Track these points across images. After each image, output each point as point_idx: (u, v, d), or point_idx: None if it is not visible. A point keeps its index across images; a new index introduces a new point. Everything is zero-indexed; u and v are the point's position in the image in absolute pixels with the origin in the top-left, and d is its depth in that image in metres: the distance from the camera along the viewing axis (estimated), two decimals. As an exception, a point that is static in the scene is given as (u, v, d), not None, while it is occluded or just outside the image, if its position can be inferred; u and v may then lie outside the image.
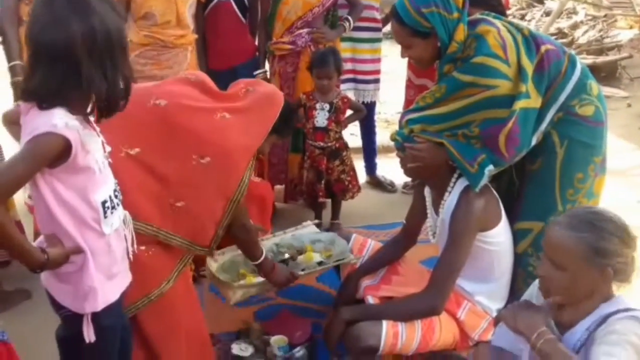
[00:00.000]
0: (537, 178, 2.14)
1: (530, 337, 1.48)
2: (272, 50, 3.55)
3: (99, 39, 1.42)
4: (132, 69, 1.58)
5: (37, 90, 1.43)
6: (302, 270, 2.45)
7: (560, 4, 7.44)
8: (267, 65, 3.71)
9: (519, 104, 1.96)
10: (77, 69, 1.41)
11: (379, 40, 3.95)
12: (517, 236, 2.19)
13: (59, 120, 1.40)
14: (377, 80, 4.00)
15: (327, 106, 3.36)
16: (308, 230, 2.77)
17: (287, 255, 2.53)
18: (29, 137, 1.40)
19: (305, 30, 3.48)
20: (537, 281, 1.67)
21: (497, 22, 2.05)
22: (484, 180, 2.02)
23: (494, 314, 2.08)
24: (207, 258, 2.49)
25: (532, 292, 1.71)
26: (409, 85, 3.91)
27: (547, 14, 8.47)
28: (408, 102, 3.88)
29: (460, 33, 2.00)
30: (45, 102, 1.43)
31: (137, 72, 3.07)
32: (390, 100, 5.62)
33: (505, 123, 1.96)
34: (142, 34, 3.09)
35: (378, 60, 3.98)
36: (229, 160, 2.02)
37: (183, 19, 3.13)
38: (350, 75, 3.88)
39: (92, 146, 1.52)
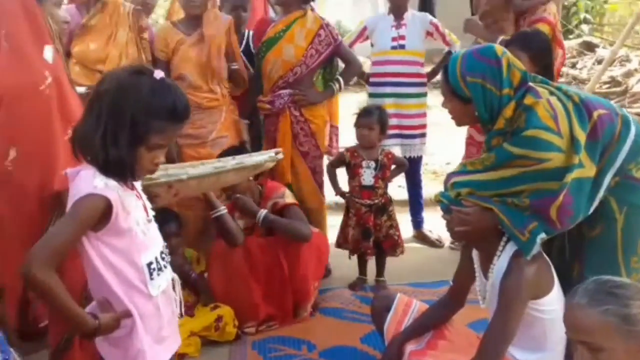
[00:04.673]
0: (598, 246, 2.06)
1: None
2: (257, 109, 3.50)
3: (106, 102, 1.50)
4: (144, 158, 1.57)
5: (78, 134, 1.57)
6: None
7: (612, 51, 7.30)
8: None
9: (572, 176, 1.89)
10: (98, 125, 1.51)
11: (424, 94, 3.96)
12: None
13: (99, 182, 1.48)
14: (423, 135, 3.99)
15: (372, 164, 3.35)
16: (261, 157, 2.61)
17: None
18: (73, 201, 1.48)
19: (287, 91, 3.36)
20: None
21: (545, 92, 2.00)
22: (536, 249, 1.95)
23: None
24: None
25: None
26: (471, 142, 3.80)
27: (599, 61, 8.33)
28: (468, 159, 3.80)
29: (509, 110, 1.96)
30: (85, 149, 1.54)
31: None
32: (439, 151, 5.58)
33: (557, 196, 1.90)
34: None
35: (424, 115, 3.98)
36: None
37: (213, 85, 3.25)
38: (396, 131, 3.87)
39: (133, 207, 1.57)
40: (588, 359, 1.43)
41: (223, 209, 2.95)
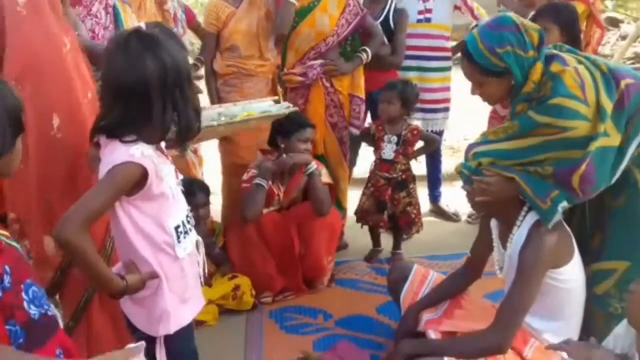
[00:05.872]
0: (621, 216, 2.03)
1: None
2: (284, 81, 3.45)
3: (169, 75, 1.50)
4: (197, 95, 1.64)
5: (113, 126, 1.53)
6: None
7: (636, 27, 7.14)
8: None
9: (596, 144, 1.87)
10: (150, 104, 1.49)
11: (448, 68, 3.89)
12: (598, 276, 2.09)
13: (136, 150, 1.50)
14: (446, 109, 3.92)
15: (394, 138, 3.32)
16: (264, 104, 2.66)
17: (222, 119, 2.42)
18: (109, 168, 1.49)
19: (318, 62, 3.32)
20: (625, 321, 1.57)
21: (573, 60, 1.97)
22: (557, 217, 1.94)
23: (565, 355, 1.96)
24: None
25: (619, 333, 1.61)
26: (494, 117, 3.72)
27: (623, 37, 8.16)
28: None
29: (537, 72, 1.92)
30: (119, 135, 1.52)
31: (222, 100, 3.22)
32: (456, 126, 5.53)
33: (579, 164, 1.87)
34: (226, 64, 3.26)
35: (447, 89, 3.91)
36: None
37: (264, 53, 3.27)
38: (418, 105, 3.76)
39: (165, 173, 1.60)
40: None
41: (264, 182, 2.93)
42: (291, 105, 2.61)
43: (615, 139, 1.91)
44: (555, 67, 1.92)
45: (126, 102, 1.51)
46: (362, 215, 3.43)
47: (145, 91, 1.48)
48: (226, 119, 2.40)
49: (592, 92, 1.89)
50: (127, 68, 1.49)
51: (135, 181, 1.51)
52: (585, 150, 1.87)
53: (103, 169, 1.52)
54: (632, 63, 7.43)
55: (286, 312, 2.96)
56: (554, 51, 2.01)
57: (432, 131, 3.84)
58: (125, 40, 1.52)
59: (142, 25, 1.57)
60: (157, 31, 1.54)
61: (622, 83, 1.93)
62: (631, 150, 1.94)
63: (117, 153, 1.51)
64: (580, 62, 1.96)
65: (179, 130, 1.56)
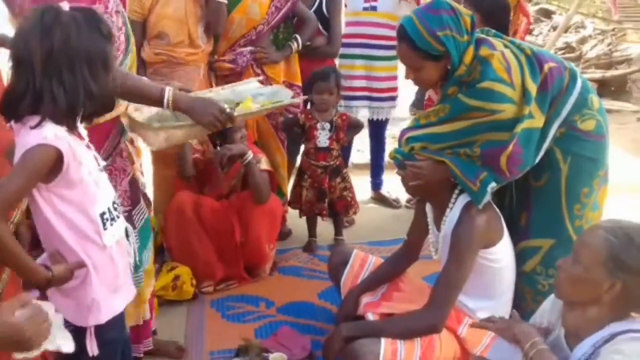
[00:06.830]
0: (543, 195, 2.12)
1: (525, 345, 1.49)
2: (215, 69, 3.35)
3: (55, 52, 1.45)
4: (112, 83, 1.59)
5: (7, 100, 1.48)
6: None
7: (566, 17, 7.41)
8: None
9: (522, 126, 1.94)
10: (34, 78, 1.45)
11: (395, 58, 3.89)
12: (525, 254, 2.17)
13: (49, 133, 1.44)
14: (392, 98, 3.93)
15: (327, 125, 3.33)
16: (250, 86, 2.61)
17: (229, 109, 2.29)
18: (22, 152, 1.44)
19: (248, 49, 3.27)
20: (551, 296, 1.65)
21: (500, 44, 2.02)
22: (487, 198, 2.01)
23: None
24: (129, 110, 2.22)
25: (545, 308, 1.68)
26: (429, 104, 3.72)
27: (555, 28, 8.45)
28: None
29: (469, 56, 1.97)
30: (20, 113, 1.47)
31: None
32: (397, 116, 5.61)
33: (507, 145, 1.94)
34: (154, 52, 3.15)
35: (394, 78, 3.91)
36: None
37: (195, 39, 3.17)
38: (365, 93, 3.83)
39: (84, 157, 1.55)
40: (566, 261, 1.52)
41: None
42: (295, 94, 2.56)
43: (539, 121, 1.99)
44: (484, 51, 1.97)
45: (15, 72, 1.48)
46: (306, 207, 3.41)
47: (29, 64, 1.44)
48: (239, 111, 2.29)
49: (518, 75, 1.96)
50: (16, 38, 1.49)
51: (51, 164, 1.45)
52: (512, 132, 1.94)
53: (17, 155, 1.46)
54: (563, 53, 7.70)
55: (228, 301, 2.94)
56: (482, 35, 2.07)
57: (378, 119, 3.88)
58: (31, 13, 1.49)
59: (65, 5, 1.51)
60: (70, 12, 1.48)
61: (546, 66, 2.01)
62: (552, 131, 2.03)
63: (28, 137, 1.45)
64: (506, 46, 2.03)
65: (64, 107, 1.49)
